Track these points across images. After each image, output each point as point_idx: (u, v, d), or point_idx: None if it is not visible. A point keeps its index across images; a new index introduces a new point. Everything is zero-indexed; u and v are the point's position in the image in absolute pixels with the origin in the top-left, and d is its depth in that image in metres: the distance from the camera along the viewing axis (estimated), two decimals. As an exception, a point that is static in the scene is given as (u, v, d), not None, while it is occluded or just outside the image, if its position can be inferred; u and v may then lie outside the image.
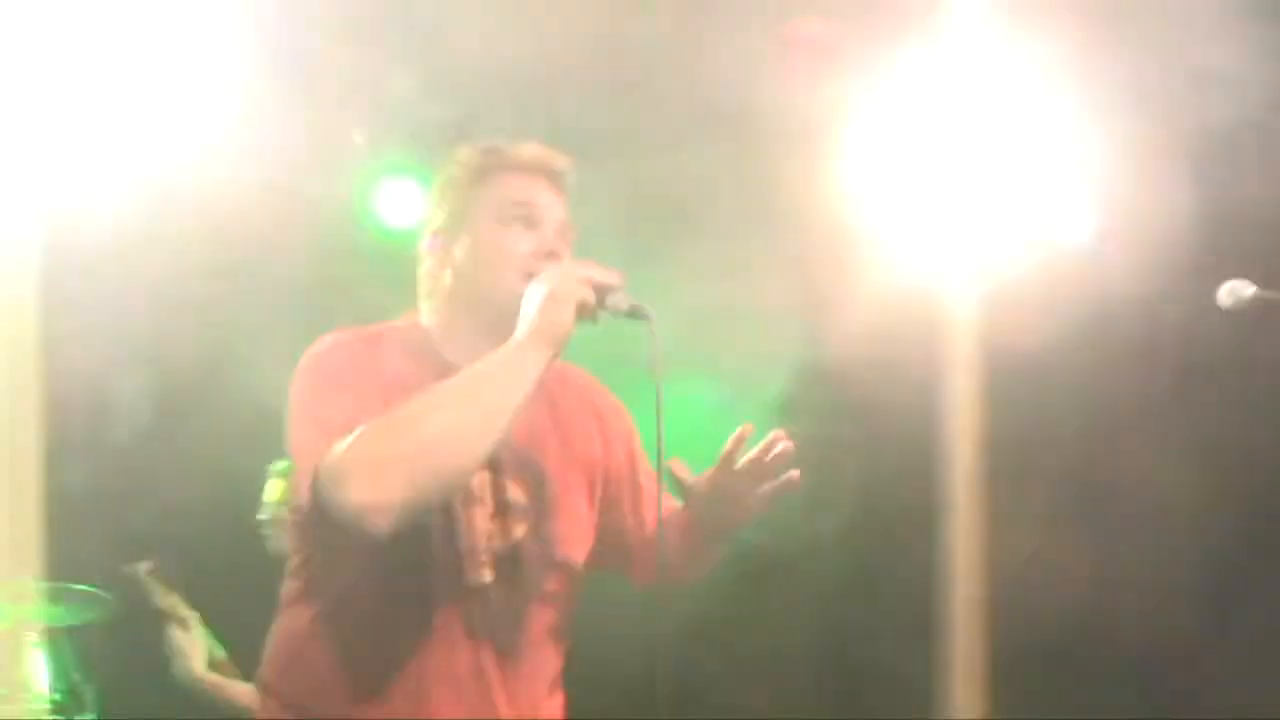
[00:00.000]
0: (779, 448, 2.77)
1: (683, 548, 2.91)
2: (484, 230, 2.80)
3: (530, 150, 2.86)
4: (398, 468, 2.50)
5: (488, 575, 2.72)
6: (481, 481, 2.73)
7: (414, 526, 2.60)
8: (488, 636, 2.73)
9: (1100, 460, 5.62)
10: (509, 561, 2.74)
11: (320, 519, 2.60)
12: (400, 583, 2.70)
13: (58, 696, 4.82)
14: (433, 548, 2.69)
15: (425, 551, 2.68)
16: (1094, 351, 5.38)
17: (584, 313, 2.65)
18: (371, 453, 2.52)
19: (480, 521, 2.73)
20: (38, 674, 4.77)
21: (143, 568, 4.56)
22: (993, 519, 5.23)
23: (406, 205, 5.33)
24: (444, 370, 2.70)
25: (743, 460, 2.77)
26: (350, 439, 2.54)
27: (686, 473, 2.79)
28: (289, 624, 2.81)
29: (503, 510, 2.75)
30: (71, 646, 4.93)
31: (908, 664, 5.38)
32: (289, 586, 2.83)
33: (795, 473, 2.78)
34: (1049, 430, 5.54)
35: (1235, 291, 3.25)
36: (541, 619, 2.81)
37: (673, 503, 2.89)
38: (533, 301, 2.63)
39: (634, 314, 2.71)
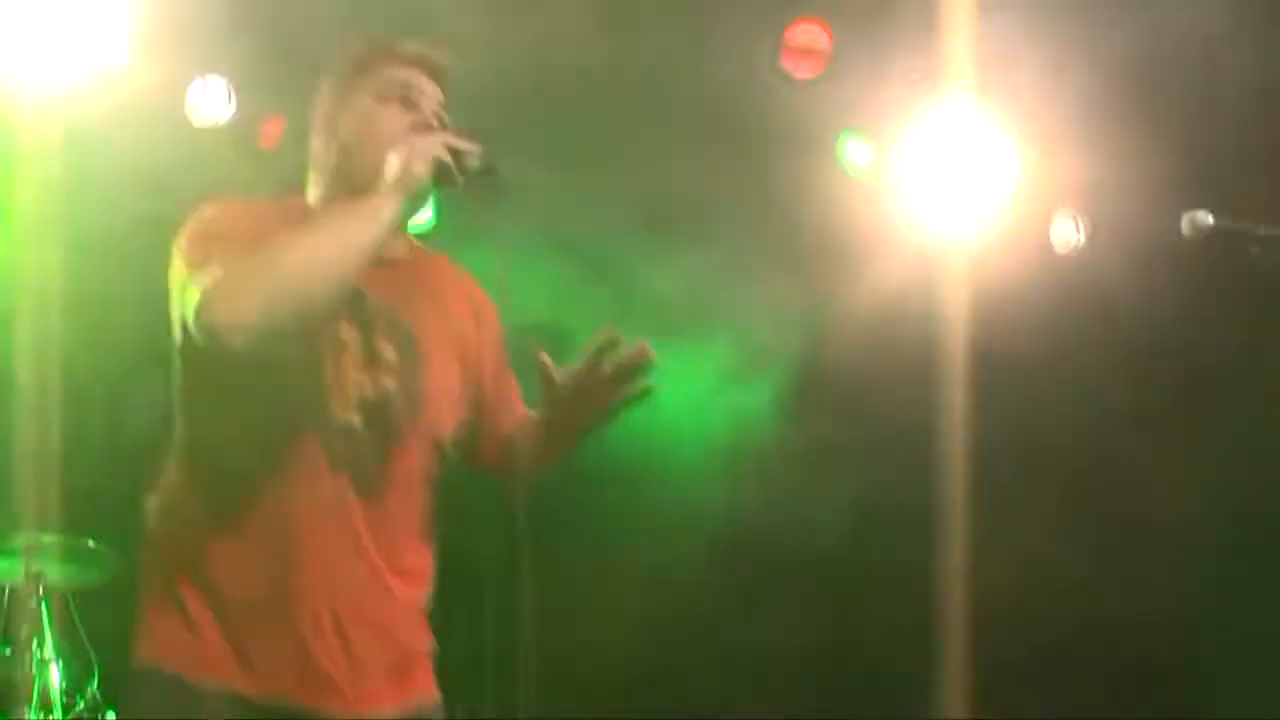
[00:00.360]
0: (643, 354, 2.88)
1: (531, 446, 3.05)
2: (365, 108, 3.00)
3: (413, 45, 3.06)
4: (254, 291, 2.70)
5: (356, 420, 2.88)
6: (350, 335, 2.89)
7: (278, 368, 2.77)
8: (349, 471, 2.87)
9: (1095, 462, 5.65)
10: (377, 410, 2.89)
11: (190, 358, 2.80)
12: (266, 419, 2.84)
13: (62, 656, 4.88)
14: (298, 388, 2.84)
15: (291, 391, 2.84)
16: (1090, 352, 5.42)
17: (441, 172, 2.83)
18: (231, 279, 2.72)
19: (349, 370, 2.88)
20: (44, 633, 4.82)
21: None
22: (987, 522, 5.24)
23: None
24: None
25: (607, 362, 2.88)
26: (214, 273, 2.73)
27: (550, 364, 2.92)
28: (165, 482, 2.95)
29: (371, 362, 2.90)
30: (78, 604, 4.99)
31: (902, 666, 5.40)
32: (166, 452, 2.97)
33: (649, 382, 2.89)
34: (1044, 431, 5.58)
35: (1196, 222, 3.26)
36: (404, 469, 2.94)
37: (522, 405, 3.10)
38: (393, 160, 2.83)
39: (488, 174, 2.87)
